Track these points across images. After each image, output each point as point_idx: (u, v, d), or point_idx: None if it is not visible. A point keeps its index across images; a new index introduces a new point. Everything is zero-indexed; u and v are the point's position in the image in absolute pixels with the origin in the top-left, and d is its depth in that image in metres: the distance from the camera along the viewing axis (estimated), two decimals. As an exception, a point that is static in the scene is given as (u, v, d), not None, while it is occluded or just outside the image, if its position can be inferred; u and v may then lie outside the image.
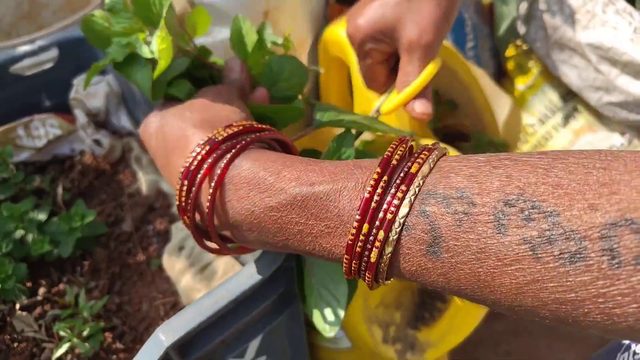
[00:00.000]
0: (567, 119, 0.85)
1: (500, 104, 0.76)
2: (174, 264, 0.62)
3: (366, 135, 0.54)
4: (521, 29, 0.85)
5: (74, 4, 1.31)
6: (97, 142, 0.74)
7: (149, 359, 0.35)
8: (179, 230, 0.65)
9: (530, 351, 1.31)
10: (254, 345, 0.50)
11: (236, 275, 0.41)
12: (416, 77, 0.46)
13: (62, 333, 0.54)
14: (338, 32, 0.68)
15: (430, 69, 0.45)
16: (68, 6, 1.32)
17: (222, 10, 0.61)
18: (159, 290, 0.64)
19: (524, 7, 0.82)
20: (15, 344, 0.57)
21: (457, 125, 0.82)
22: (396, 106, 0.47)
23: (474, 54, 0.88)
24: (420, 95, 0.47)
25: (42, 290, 0.61)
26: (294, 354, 0.61)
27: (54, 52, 0.67)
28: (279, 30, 0.65)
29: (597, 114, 0.81)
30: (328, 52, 0.68)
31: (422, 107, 0.47)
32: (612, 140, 0.81)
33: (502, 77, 0.96)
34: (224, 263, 0.59)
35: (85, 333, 0.56)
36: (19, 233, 0.59)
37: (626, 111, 0.76)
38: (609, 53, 0.73)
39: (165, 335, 0.35)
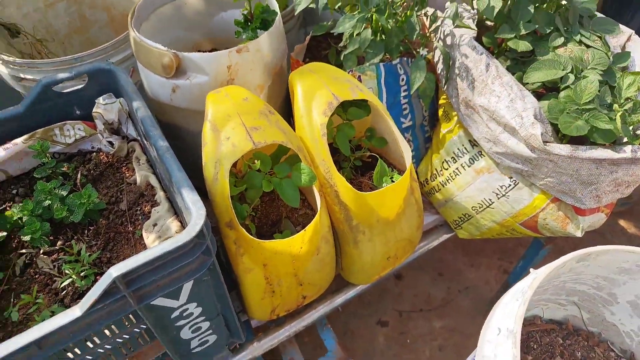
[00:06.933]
0: (472, 160, 1.07)
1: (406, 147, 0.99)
2: (148, 236, 0.88)
3: None
4: (444, 86, 1.08)
5: (116, 22, 1.61)
6: (110, 143, 1.01)
7: (102, 285, 0.61)
8: (156, 213, 0.91)
9: (460, 347, 1.52)
10: (185, 291, 0.76)
11: (167, 241, 0.67)
12: None
13: (67, 272, 0.82)
14: (291, 78, 0.94)
15: None
16: (112, 23, 1.62)
17: (197, 63, 0.87)
18: (138, 252, 0.90)
19: (444, 69, 1.05)
20: (37, 276, 0.85)
21: (373, 155, 1.07)
22: None
23: (407, 101, 1.11)
24: None
25: (59, 243, 0.89)
26: (222, 307, 0.87)
27: (84, 78, 0.95)
28: (239, 78, 0.91)
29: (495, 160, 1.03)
30: (292, 87, 0.94)
31: None
32: (503, 181, 1.03)
33: (437, 121, 1.18)
34: (179, 238, 0.85)
35: (82, 274, 0.83)
36: (47, 202, 0.87)
37: (508, 160, 0.97)
38: (494, 115, 0.94)
39: (115, 270, 0.62)
